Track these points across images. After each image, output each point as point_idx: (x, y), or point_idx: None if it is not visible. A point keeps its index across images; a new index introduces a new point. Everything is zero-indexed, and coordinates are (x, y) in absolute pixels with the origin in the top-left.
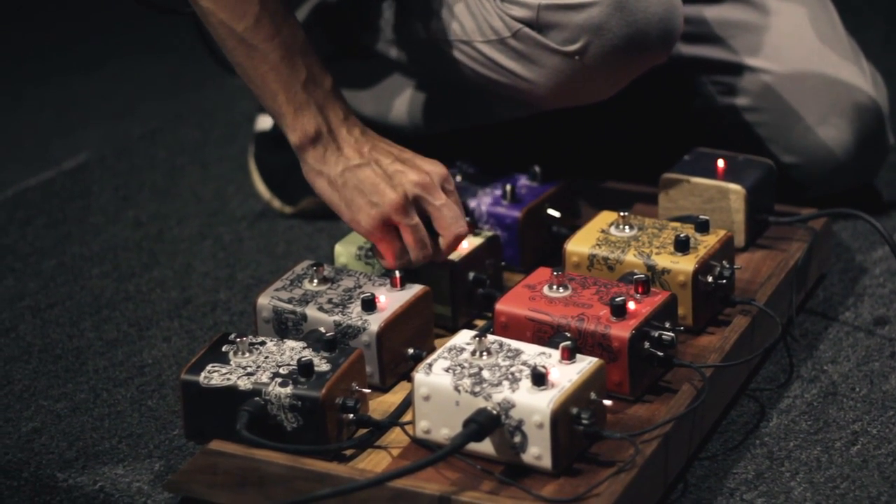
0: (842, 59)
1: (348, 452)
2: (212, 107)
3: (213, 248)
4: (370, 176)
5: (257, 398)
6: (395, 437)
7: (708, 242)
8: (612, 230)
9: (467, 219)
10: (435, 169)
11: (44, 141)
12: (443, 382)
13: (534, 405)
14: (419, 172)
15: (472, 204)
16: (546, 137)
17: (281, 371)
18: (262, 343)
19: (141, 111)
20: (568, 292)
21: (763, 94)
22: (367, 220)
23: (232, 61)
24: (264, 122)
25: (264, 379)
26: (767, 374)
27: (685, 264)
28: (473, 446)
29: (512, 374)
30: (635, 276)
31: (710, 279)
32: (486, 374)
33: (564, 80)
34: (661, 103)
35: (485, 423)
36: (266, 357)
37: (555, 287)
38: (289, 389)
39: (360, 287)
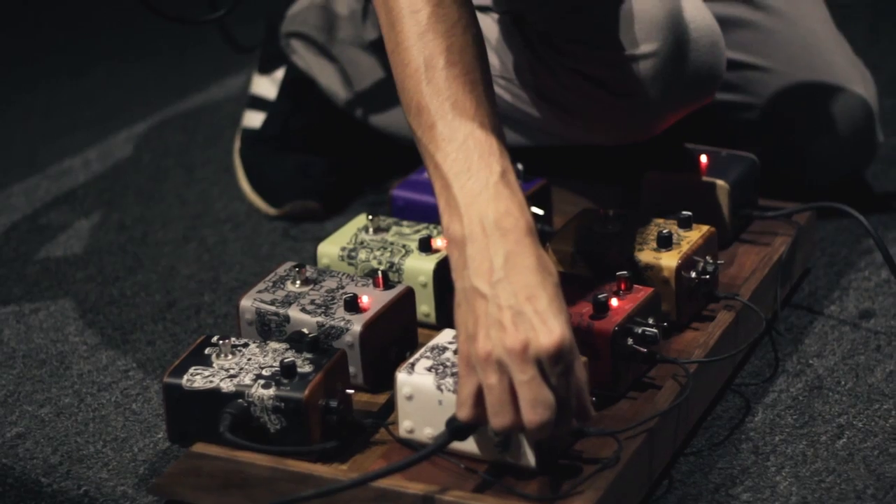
0: (832, 55)
1: (332, 453)
2: (196, 110)
3: (198, 250)
4: (475, 310)
5: (240, 400)
6: (379, 437)
7: (691, 238)
8: (595, 227)
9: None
10: (543, 340)
11: (28, 145)
12: (425, 382)
13: None
14: (517, 337)
15: None
16: None
17: (264, 373)
18: (245, 345)
19: (125, 115)
20: None
21: (753, 90)
22: (459, 350)
23: None
24: (252, 119)
25: (247, 381)
26: (752, 368)
27: (668, 260)
28: (457, 445)
29: None
30: (618, 273)
31: (693, 275)
32: None
33: (611, 124)
34: None
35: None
36: (249, 359)
37: None
38: (272, 391)
39: (342, 288)
